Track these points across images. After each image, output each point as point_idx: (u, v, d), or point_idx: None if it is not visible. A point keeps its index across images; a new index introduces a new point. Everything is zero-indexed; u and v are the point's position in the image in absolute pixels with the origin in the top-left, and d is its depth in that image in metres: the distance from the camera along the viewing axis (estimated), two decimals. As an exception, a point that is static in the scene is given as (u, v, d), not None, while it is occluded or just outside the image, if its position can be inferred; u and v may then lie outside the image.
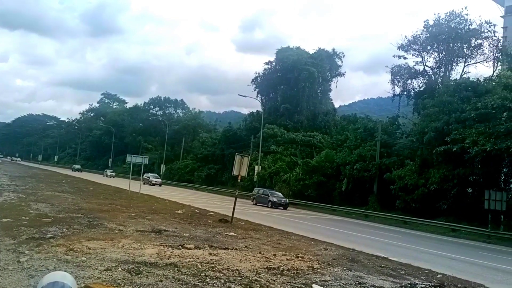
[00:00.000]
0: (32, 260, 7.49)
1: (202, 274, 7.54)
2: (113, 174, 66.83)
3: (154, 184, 52.27)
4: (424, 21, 41.17)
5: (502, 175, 29.49)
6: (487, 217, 25.00)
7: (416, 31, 41.89)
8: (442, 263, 13.36)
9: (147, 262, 8.07)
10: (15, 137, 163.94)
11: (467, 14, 39.29)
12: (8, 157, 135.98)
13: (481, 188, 27.24)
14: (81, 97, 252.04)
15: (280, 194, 35.60)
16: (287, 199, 34.56)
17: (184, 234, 12.39)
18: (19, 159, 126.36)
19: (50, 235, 10.04)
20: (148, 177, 54.63)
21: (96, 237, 10.38)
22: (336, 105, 78.23)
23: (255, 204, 34.64)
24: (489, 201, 24.97)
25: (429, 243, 20.41)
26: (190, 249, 9.91)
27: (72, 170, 76.90)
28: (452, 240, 23.62)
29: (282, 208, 32.85)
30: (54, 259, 7.66)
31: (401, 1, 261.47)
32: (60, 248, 8.66)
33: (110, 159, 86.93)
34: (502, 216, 25.18)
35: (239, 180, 18.11)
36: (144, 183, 51.56)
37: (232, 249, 10.50)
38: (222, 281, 7.27)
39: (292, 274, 8.29)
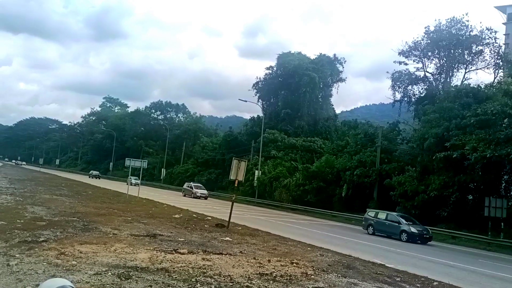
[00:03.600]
0: (22, 263, 7.43)
1: (193, 280, 7.45)
2: (139, 182, 60.15)
3: (199, 197, 42.45)
4: (425, 27, 41.18)
5: (503, 182, 29.33)
6: (487, 224, 24.83)
7: (417, 37, 41.94)
8: (440, 270, 13.23)
9: (138, 267, 7.99)
10: (17, 140, 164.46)
11: (468, 21, 39.23)
12: (13, 161, 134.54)
13: (482, 195, 27.06)
14: (84, 101, 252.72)
15: (415, 220, 24.87)
16: (428, 228, 24.60)
17: (179, 239, 12.30)
18: (24, 163, 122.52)
19: (43, 239, 9.97)
20: (191, 188, 45.22)
21: (89, 241, 10.30)
22: (338, 111, 78.41)
23: (372, 234, 24.79)
24: (489, 208, 24.81)
25: (428, 250, 20.25)
26: (183, 254, 9.82)
27: (89, 177, 68.88)
28: (451, 247, 23.45)
29: (420, 242, 22.48)
30: (44, 263, 7.59)
31: (404, 7, 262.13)
32: (52, 251, 8.59)
33: (111, 163, 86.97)
34: (502, 224, 25.01)
35: (235, 185, 18.03)
36: (185, 195, 44.34)
37: (226, 254, 10.40)
38: (213, 286, 7.19)
39: (284, 281, 8.19)
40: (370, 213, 26.62)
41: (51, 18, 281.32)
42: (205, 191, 44.40)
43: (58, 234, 10.96)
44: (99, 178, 68.81)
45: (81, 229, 12.19)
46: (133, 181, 53.48)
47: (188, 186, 46.41)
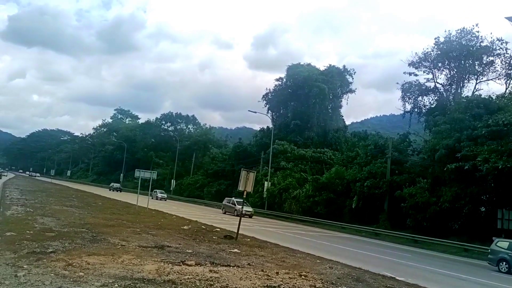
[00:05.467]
0: (29, 274, 7.43)
1: (199, 292, 7.39)
2: (165, 196, 52.44)
3: (244, 215, 30.95)
4: (435, 38, 41.11)
5: (516, 194, 28.80)
6: (501, 237, 24.34)
7: (427, 48, 41.82)
8: (451, 283, 13.00)
9: (145, 279, 7.94)
10: (29, 151, 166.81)
11: (478, 31, 39.10)
12: (27, 172, 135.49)
13: (495, 207, 26.64)
14: (96, 113, 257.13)
15: None
16: None
17: (187, 250, 12.24)
18: (38, 174, 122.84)
19: (51, 250, 9.99)
20: (233, 204, 38.35)
21: (97, 252, 10.29)
22: (348, 122, 78.19)
23: (507, 272, 18.45)
24: (502, 220, 24.44)
25: (440, 263, 19.91)
26: (190, 265, 9.76)
27: (110, 190, 65.91)
28: (464, 260, 23.05)
29: None
30: (52, 274, 7.59)
31: (413, 19, 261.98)
32: (60, 263, 8.59)
33: (121, 174, 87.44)
34: (516, 236, 24.49)
35: (244, 196, 17.98)
36: (225, 212, 39.05)
37: (233, 266, 10.30)
38: (219, 299, 7.11)
39: (292, 293, 8.09)
40: (501, 243, 19.80)
41: (64, 32, 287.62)
42: (250, 208, 38.22)
43: (67, 245, 10.98)
44: (121, 191, 65.07)
45: (90, 240, 12.20)
46: (159, 195, 48.59)
47: (229, 202, 39.94)
